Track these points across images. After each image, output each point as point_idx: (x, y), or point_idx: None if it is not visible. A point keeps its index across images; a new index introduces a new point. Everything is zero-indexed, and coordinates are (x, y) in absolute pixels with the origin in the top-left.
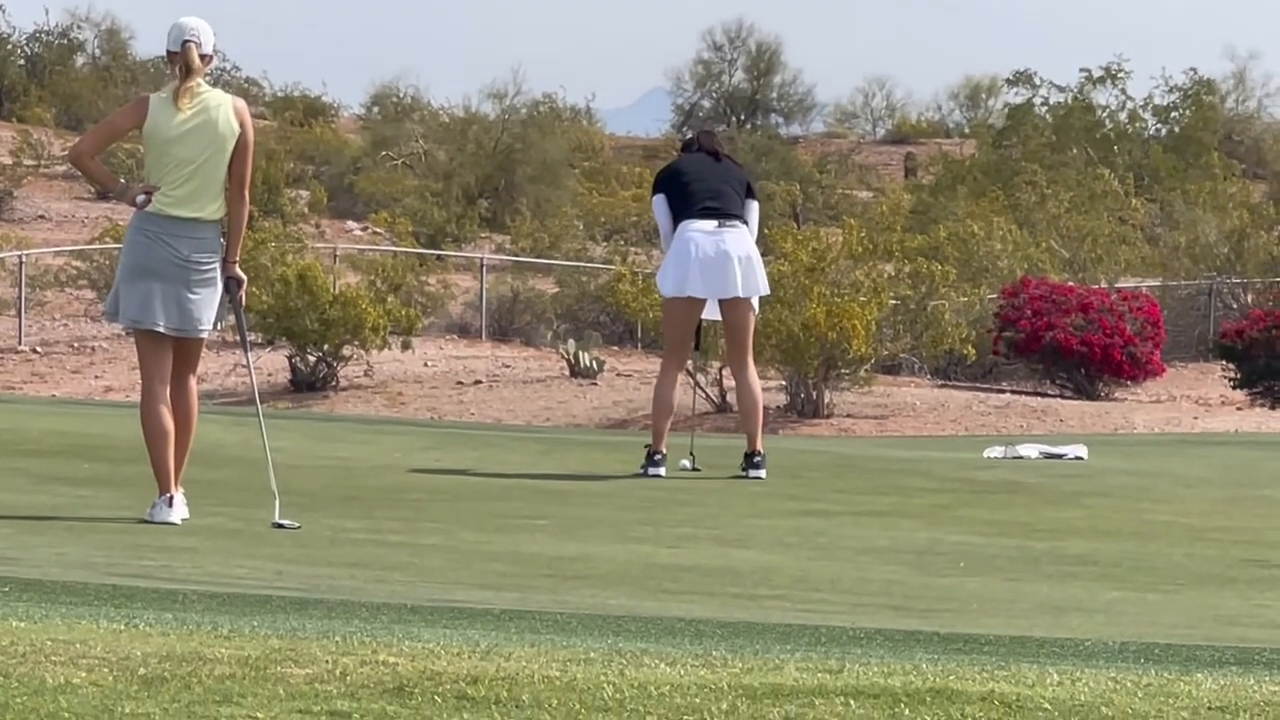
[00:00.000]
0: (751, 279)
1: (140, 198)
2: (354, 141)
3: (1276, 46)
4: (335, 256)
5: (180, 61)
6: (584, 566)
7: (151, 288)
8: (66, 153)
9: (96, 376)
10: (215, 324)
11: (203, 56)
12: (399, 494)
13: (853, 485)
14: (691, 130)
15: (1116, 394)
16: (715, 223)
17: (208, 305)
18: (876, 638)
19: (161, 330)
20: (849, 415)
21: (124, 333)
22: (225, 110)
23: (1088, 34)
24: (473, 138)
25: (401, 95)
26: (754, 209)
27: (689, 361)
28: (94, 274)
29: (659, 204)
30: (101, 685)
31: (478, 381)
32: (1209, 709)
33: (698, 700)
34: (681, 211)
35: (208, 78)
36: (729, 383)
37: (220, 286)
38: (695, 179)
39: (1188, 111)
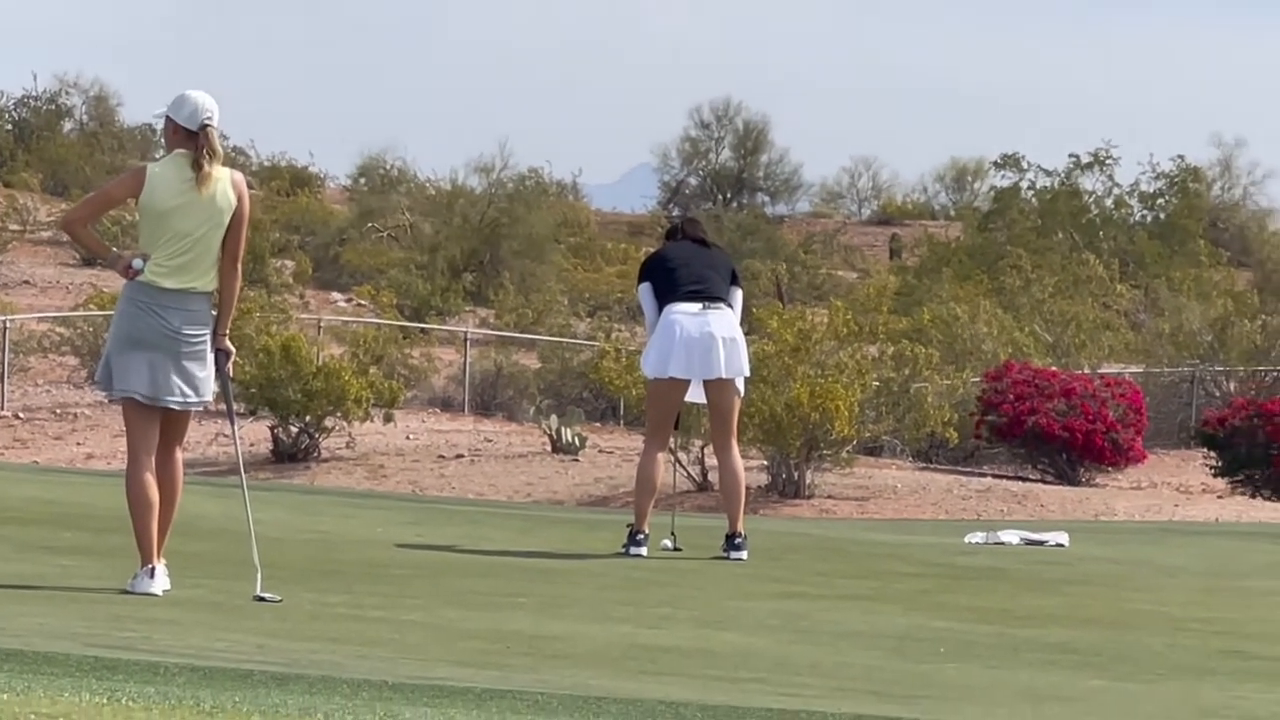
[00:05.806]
0: (735, 360)
1: (136, 262)
2: (340, 212)
3: (1262, 134)
4: (319, 328)
5: (203, 144)
6: (564, 646)
7: (142, 359)
8: (58, 219)
9: (78, 443)
10: (208, 397)
11: None
12: (380, 569)
13: (834, 568)
14: (678, 210)
15: (1098, 480)
16: (700, 305)
17: (197, 378)
18: None
19: (151, 402)
20: (830, 496)
21: (108, 401)
22: (224, 184)
23: (1077, 119)
24: (459, 211)
25: (389, 167)
26: (738, 295)
27: (671, 440)
28: (78, 340)
29: (644, 292)
30: None
31: (459, 455)
32: None
33: None
34: (666, 296)
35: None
36: (710, 461)
37: (210, 359)
38: (680, 265)
39: (1174, 198)
